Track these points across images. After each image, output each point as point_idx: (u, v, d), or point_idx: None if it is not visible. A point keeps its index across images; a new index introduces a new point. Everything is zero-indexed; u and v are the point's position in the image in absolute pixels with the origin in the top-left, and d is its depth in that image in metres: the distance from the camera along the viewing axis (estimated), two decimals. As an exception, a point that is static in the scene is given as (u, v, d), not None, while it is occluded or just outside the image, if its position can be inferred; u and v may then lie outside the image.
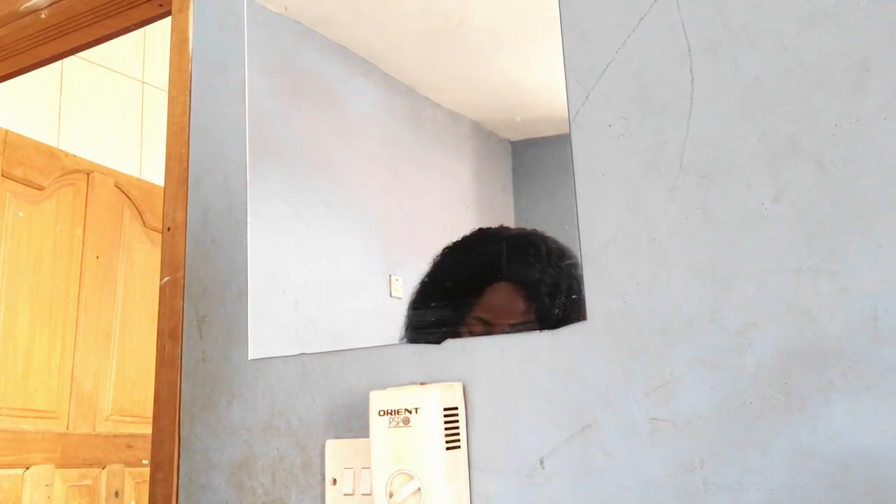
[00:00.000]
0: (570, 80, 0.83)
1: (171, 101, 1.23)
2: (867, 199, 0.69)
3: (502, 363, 0.84)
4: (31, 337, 2.69)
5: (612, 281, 0.79)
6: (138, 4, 1.43)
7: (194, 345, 1.11)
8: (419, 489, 0.79)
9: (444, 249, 0.92)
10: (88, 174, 2.97)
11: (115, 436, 2.93)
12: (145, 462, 2.93)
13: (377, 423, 0.83)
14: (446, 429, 0.81)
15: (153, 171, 3.35)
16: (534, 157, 0.90)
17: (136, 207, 3.14)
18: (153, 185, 3.21)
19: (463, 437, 0.83)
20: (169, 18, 1.30)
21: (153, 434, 1.13)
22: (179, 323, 1.13)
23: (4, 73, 1.73)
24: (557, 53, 0.85)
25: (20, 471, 2.61)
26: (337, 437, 0.94)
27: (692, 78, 0.77)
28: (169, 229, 1.19)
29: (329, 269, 1.00)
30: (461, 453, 0.82)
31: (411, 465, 0.80)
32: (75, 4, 1.50)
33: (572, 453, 0.79)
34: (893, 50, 0.70)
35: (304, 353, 0.99)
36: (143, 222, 3.15)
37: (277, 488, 0.97)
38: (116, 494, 2.91)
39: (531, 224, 0.88)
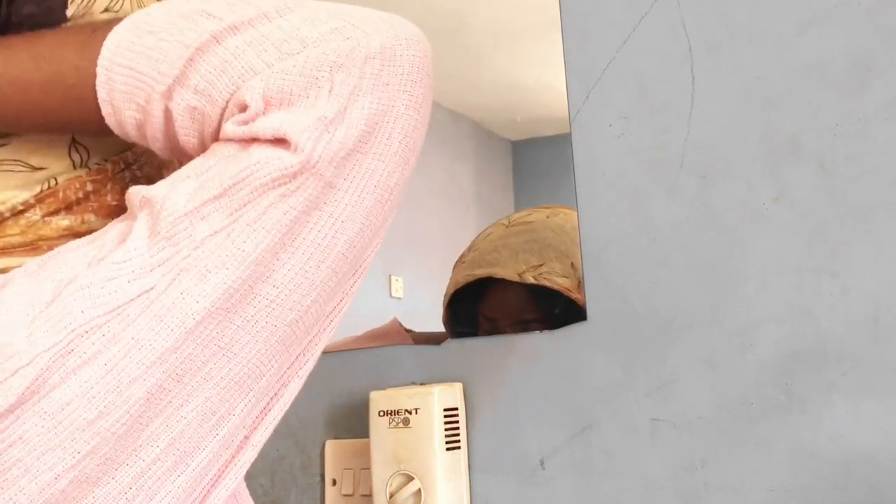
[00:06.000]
0: (571, 80, 0.83)
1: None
2: (868, 200, 0.69)
3: (502, 363, 0.84)
4: None
5: (612, 281, 0.79)
6: (138, 4, 1.43)
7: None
8: (419, 490, 0.79)
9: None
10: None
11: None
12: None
13: (377, 424, 0.83)
14: (446, 429, 0.81)
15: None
16: (534, 156, 0.90)
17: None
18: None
19: (463, 437, 0.83)
20: (169, 18, 1.30)
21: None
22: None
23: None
24: (558, 53, 0.84)
25: None
26: (337, 437, 0.93)
27: (693, 78, 0.77)
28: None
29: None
30: (461, 454, 0.82)
31: (411, 466, 0.80)
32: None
33: (572, 454, 0.78)
34: (894, 50, 0.69)
35: (303, 354, 0.98)
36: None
37: (277, 489, 0.97)
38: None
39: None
